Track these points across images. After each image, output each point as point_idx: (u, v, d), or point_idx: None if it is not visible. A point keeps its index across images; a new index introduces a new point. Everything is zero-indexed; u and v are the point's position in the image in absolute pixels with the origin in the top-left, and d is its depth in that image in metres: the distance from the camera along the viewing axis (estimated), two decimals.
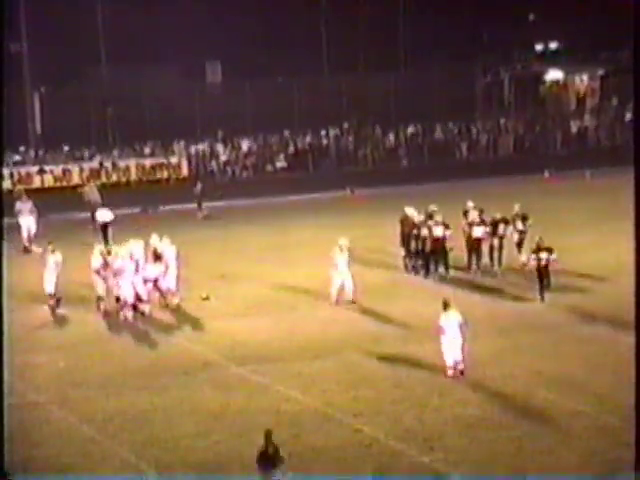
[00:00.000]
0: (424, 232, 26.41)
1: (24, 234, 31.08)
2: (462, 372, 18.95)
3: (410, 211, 27.25)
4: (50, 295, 24.48)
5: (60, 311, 24.48)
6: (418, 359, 20.08)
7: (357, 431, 16.79)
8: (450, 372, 18.97)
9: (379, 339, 21.70)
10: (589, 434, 16.32)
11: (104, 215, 32.19)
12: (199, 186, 37.33)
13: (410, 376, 19.21)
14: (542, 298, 24.00)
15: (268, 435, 13.82)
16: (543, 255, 23.99)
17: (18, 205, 31.89)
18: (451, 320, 19.09)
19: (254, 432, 16.68)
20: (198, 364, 20.40)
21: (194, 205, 36.98)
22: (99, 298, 24.15)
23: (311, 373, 19.62)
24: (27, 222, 31.34)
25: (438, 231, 26.21)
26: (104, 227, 31.72)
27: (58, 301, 24.57)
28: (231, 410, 17.83)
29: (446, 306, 19.30)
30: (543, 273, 24.02)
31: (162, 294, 24.34)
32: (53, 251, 24.71)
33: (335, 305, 24.23)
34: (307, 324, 22.98)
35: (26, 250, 30.82)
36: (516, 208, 27.22)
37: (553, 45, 66.35)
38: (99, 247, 24.79)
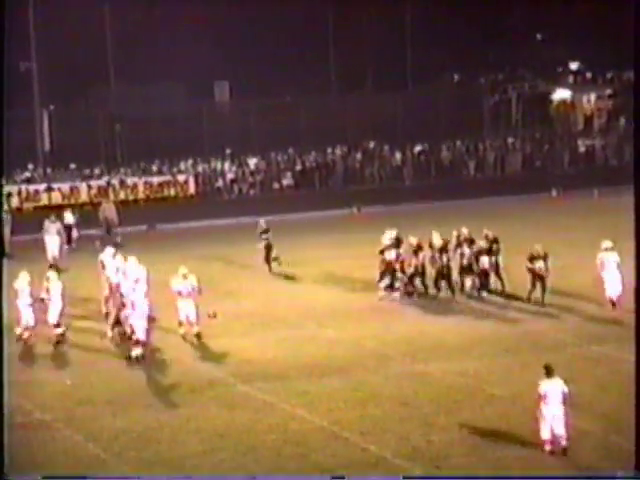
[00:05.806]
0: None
1: (49, 253, 31.09)
2: (565, 450, 16.32)
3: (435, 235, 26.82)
4: None
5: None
6: (425, 377, 20.01)
7: (364, 450, 16.71)
8: (548, 447, 16.38)
9: (386, 357, 21.64)
10: (597, 454, 16.23)
11: (68, 218, 33.82)
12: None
13: (417, 395, 19.13)
14: (543, 302, 25.17)
15: None
16: (538, 264, 25.05)
17: (46, 224, 32.26)
18: (555, 388, 16.61)
19: (260, 450, 16.67)
20: (204, 382, 20.34)
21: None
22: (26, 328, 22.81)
23: (317, 391, 19.55)
24: (52, 242, 31.45)
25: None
26: (68, 229, 33.13)
27: None
28: (237, 428, 17.77)
29: (549, 372, 16.75)
30: (538, 281, 25.15)
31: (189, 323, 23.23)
32: None
33: (612, 308, 24.31)
34: (313, 342, 22.92)
35: (52, 268, 30.72)
36: (465, 232, 26.62)
37: (561, 64, 66.48)
38: (48, 273, 23.53)
